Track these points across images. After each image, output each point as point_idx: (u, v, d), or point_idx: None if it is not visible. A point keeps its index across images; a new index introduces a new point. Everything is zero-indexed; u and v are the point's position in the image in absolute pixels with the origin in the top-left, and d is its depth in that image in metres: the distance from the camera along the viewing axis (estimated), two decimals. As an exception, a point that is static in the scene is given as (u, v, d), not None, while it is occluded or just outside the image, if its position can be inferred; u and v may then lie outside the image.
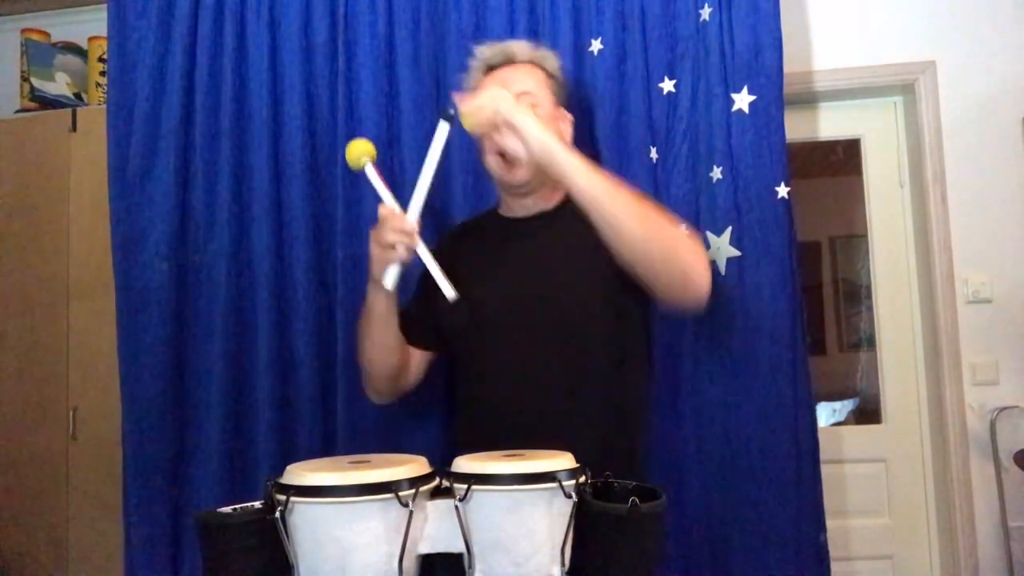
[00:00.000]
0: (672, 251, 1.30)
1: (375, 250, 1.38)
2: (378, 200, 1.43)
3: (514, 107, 1.33)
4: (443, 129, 1.40)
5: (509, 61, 1.55)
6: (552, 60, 1.61)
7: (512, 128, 1.31)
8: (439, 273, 1.37)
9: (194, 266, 1.96)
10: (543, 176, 1.45)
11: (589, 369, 1.43)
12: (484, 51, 1.59)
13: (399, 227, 1.35)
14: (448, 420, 1.78)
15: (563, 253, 1.48)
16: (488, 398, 1.48)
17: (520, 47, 1.57)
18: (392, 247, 1.35)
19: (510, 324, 1.46)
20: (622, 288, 1.38)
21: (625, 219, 1.27)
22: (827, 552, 1.80)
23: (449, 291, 1.35)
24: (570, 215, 1.35)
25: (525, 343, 1.43)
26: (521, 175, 1.47)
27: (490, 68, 1.56)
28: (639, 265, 1.30)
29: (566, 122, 1.58)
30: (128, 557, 1.90)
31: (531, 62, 1.56)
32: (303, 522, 1.04)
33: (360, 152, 1.46)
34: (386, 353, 1.51)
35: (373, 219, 1.80)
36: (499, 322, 1.47)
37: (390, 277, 1.39)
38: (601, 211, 1.27)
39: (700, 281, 1.32)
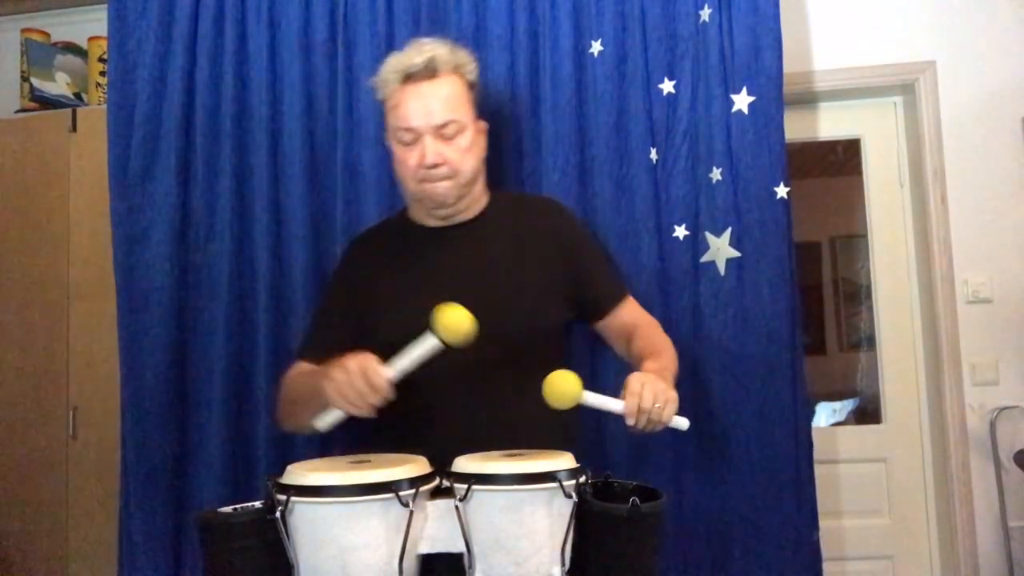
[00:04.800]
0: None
1: (350, 392, 1.19)
2: None
3: (670, 408, 1.26)
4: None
5: (431, 73, 1.42)
6: (471, 65, 1.49)
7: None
8: None
9: (195, 266, 1.96)
10: (465, 190, 1.47)
11: (537, 372, 1.30)
12: (402, 59, 1.44)
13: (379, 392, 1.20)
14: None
15: (502, 262, 1.45)
16: (435, 404, 1.39)
17: (442, 53, 1.44)
18: (365, 402, 1.20)
19: None
20: (563, 300, 1.50)
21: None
22: (820, 551, 1.80)
23: None
24: (492, 222, 1.36)
25: (474, 349, 1.27)
26: (444, 188, 1.43)
27: (408, 77, 1.42)
28: None
29: (482, 132, 1.52)
30: (128, 556, 1.90)
31: (454, 71, 1.45)
32: (303, 522, 1.04)
33: (575, 393, 1.26)
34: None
35: (373, 218, 1.83)
36: None
37: (328, 421, 1.27)
38: None
39: None
